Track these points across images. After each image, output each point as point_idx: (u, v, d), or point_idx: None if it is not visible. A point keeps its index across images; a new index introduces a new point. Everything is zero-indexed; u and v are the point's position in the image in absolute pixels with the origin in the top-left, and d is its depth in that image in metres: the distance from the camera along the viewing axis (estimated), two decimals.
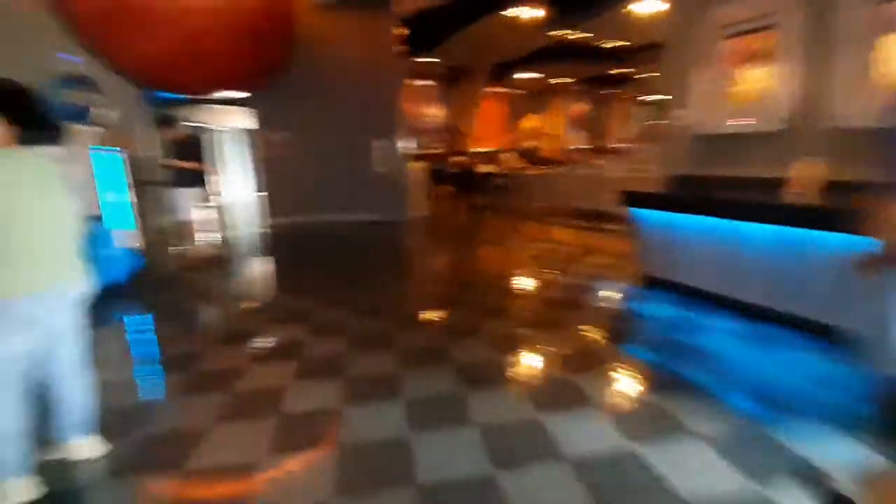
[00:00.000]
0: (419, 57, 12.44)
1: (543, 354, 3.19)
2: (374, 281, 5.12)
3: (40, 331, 1.80)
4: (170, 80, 6.60)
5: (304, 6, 8.35)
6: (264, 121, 8.94)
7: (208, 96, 8.39)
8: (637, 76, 17.78)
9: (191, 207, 5.80)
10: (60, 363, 1.93)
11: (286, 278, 5.63)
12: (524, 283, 4.95)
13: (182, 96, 7.42)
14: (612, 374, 2.89)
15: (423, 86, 14.13)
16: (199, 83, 7.10)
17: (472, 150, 14.80)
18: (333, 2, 8.51)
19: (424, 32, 10.74)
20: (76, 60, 4.95)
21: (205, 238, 6.14)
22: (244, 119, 9.48)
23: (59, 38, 5.66)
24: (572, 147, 17.89)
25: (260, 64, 7.44)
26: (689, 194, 4.08)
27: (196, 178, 5.77)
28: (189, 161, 5.60)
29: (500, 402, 2.61)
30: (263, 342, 3.54)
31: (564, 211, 9.33)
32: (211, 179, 6.10)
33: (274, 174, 9.14)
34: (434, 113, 14.62)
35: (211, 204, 5.80)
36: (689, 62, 4.21)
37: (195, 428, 2.41)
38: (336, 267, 6.01)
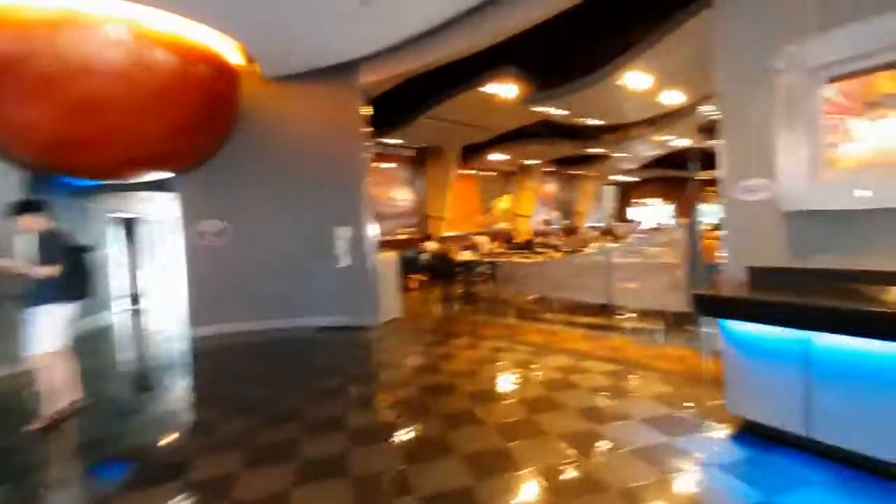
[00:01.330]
0: (386, 137, 11.50)
1: None
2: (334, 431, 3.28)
3: None
4: (59, 158, 4.98)
5: (250, 76, 7.18)
6: (195, 208, 7.31)
7: (114, 180, 6.72)
8: (606, 154, 17.65)
9: (61, 329, 3.92)
10: None
11: (220, 406, 4.21)
12: (563, 444, 3.21)
13: (79, 181, 5.78)
14: None
15: (390, 168, 13.10)
16: (97, 164, 5.49)
17: (444, 233, 13.55)
18: (285, 75, 7.39)
19: (391, 111, 9.82)
20: None
21: (78, 373, 4.18)
22: (165, 206, 7.82)
23: None
24: (546, 227, 17.10)
25: (182, 140, 5.98)
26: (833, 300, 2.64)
27: (71, 287, 3.96)
28: (55, 264, 3.83)
29: None
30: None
31: (561, 305, 7.86)
32: (96, 287, 4.26)
33: (208, 272, 7.34)
34: (402, 196, 13.48)
35: (94, 318, 3.91)
36: (764, 118, 3.00)
37: None
38: (286, 387, 4.48)
